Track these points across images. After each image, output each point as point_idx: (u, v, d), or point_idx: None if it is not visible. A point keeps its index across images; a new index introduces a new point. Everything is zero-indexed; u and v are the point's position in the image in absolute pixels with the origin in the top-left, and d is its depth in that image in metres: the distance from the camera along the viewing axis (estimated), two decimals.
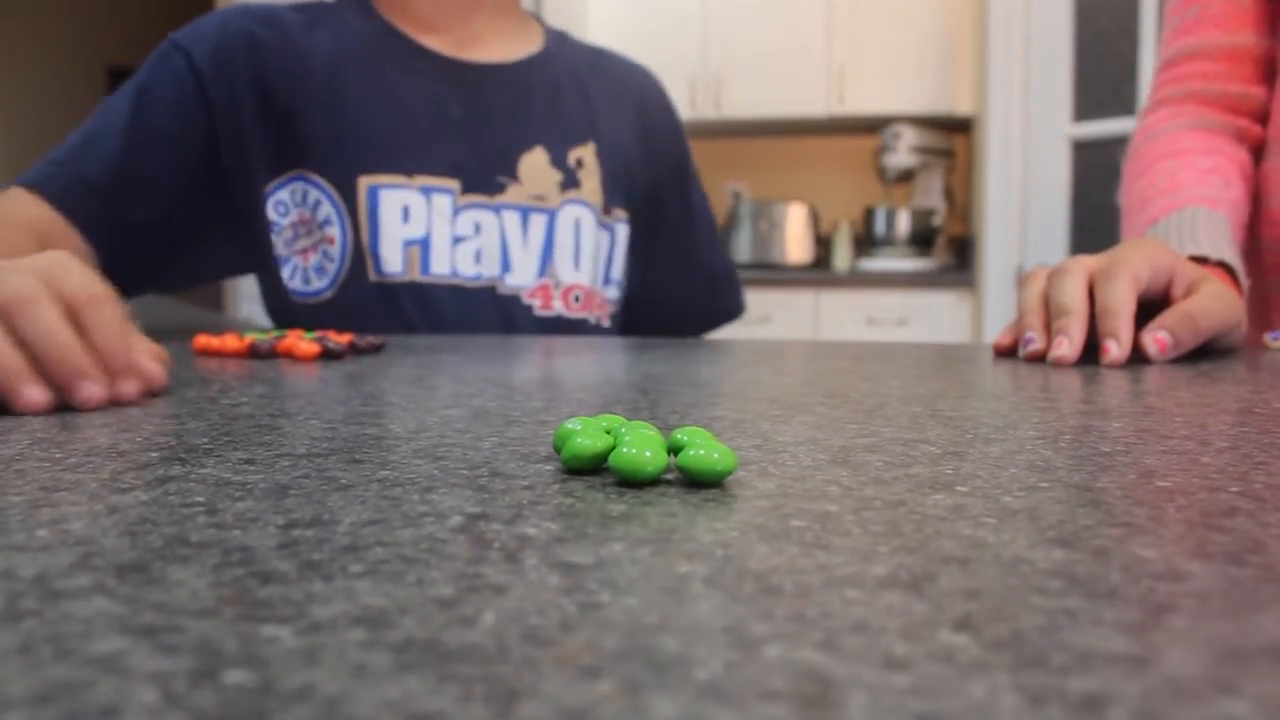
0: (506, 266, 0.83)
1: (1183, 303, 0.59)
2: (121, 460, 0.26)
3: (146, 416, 0.34)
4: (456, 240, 0.81)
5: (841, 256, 3.12)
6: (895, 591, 0.16)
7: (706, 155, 3.47)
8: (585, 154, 0.87)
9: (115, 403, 0.37)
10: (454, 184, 0.81)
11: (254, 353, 0.56)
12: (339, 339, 0.58)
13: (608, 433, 0.26)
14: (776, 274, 3.00)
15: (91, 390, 0.36)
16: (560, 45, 0.91)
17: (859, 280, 2.96)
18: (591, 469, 0.25)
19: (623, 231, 0.91)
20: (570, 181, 0.86)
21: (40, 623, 0.14)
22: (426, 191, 0.80)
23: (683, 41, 3.15)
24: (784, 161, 3.46)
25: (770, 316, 2.95)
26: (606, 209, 0.88)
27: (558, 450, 0.27)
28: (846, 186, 3.40)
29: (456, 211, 0.81)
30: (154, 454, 0.27)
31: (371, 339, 0.60)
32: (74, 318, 0.37)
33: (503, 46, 0.87)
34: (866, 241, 3.12)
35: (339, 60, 0.81)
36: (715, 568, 0.17)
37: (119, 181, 0.76)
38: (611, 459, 0.24)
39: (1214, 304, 0.59)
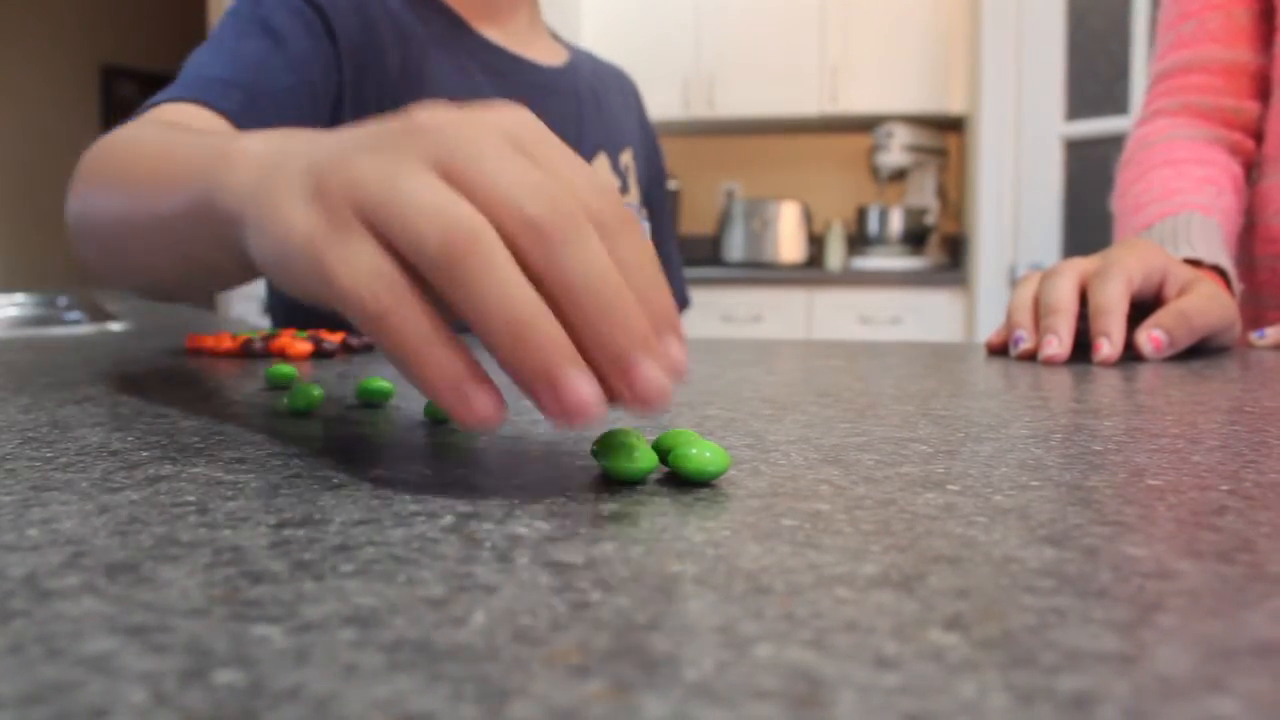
0: None
1: (1177, 301, 0.59)
2: (112, 459, 0.26)
3: (138, 415, 0.34)
4: None
5: (834, 255, 3.12)
6: (886, 590, 0.16)
7: (700, 154, 3.47)
8: (628, 159, 0.88)
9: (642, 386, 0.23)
10: None
11: (247, 351, 0.56)
12: (331, 338, 0.58)
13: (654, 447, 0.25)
14: (769, 273, 3.01)
15: (654, 372, 0.23)
16: (574, 49, 0.91)
17: (852, 279, 2.96)
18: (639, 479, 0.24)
19: (648, 230, 0.92)
20: (624, 186, 0.86)
21: (30, 623, 0.14)
22: None
23: (676, 41, 3.15)
24: (777, 160, 3.46)
25: (763, 315, 2.96)
26: (639, 209, 0.90)
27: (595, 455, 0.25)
28: (839, 185, 3.40)
29: None
30: (145, 453, 0.27)
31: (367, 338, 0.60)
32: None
33: (545, 48, 0.86)
34: (859, 240, 3.13)
35: (422, 46, 0.77)
36: (706, 567, 0.17)
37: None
38: (602, 458, 0.24)
39: (1208, 303, 0.59)
